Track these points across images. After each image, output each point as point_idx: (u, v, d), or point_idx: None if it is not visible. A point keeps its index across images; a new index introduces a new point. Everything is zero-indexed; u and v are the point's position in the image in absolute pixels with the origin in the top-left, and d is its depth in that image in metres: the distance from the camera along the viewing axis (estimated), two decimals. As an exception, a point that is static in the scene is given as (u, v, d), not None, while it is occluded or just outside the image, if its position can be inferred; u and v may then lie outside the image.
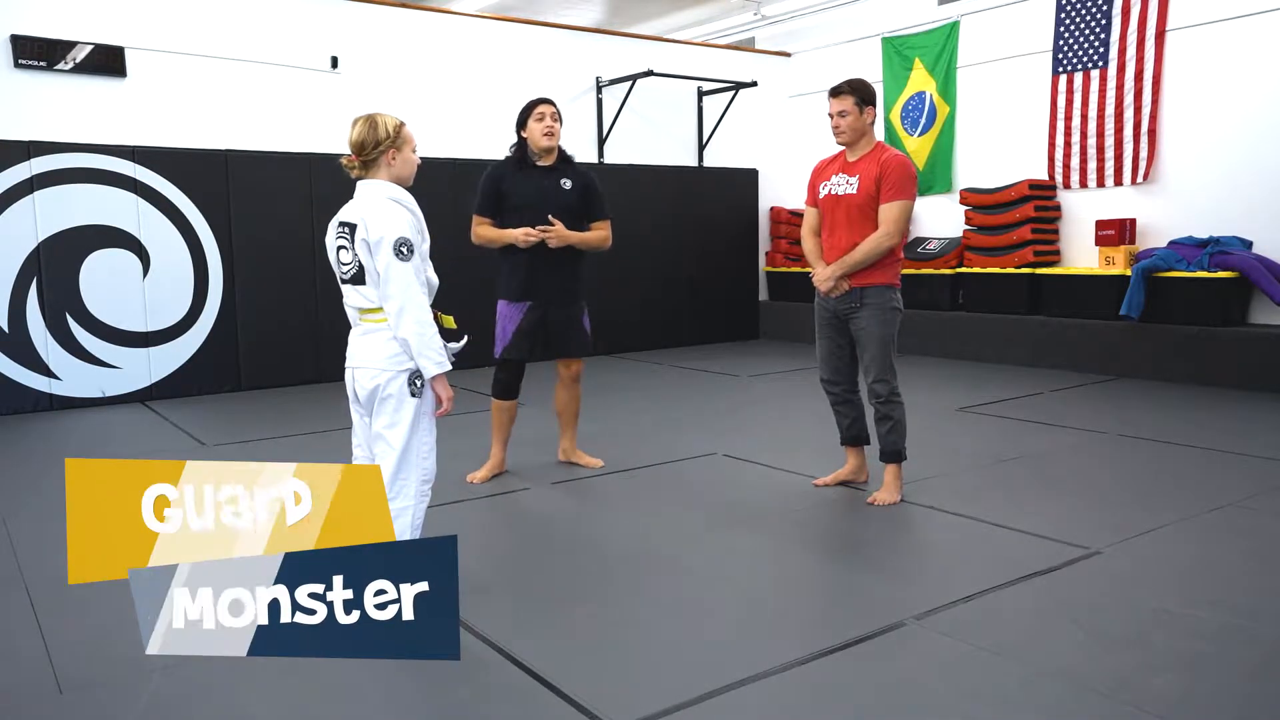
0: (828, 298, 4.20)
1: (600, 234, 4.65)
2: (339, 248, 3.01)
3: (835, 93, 4.08)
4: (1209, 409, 6.10)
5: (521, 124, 4.55)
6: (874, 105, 4.09)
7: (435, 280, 3.09)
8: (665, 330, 9.95)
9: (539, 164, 4.54)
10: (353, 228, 2.96)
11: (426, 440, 3.05)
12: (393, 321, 2.92)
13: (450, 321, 3.05)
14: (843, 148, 4.19)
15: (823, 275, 4.14)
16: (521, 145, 4.56)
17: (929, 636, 2.82)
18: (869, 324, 4.11)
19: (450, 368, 2.97)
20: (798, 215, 10.12)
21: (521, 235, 4.41)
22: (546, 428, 5.32)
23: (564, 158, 4.62)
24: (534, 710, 2.45)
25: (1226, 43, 7.26)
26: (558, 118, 4.52)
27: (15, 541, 3.90)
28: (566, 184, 4.56)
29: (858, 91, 4.04)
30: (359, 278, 2.97)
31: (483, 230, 4.55)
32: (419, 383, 2.99)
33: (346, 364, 3.09)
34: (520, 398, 4.77)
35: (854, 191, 4.06)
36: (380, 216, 2.92)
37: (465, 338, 3.07)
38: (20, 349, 6.73)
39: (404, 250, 2.90)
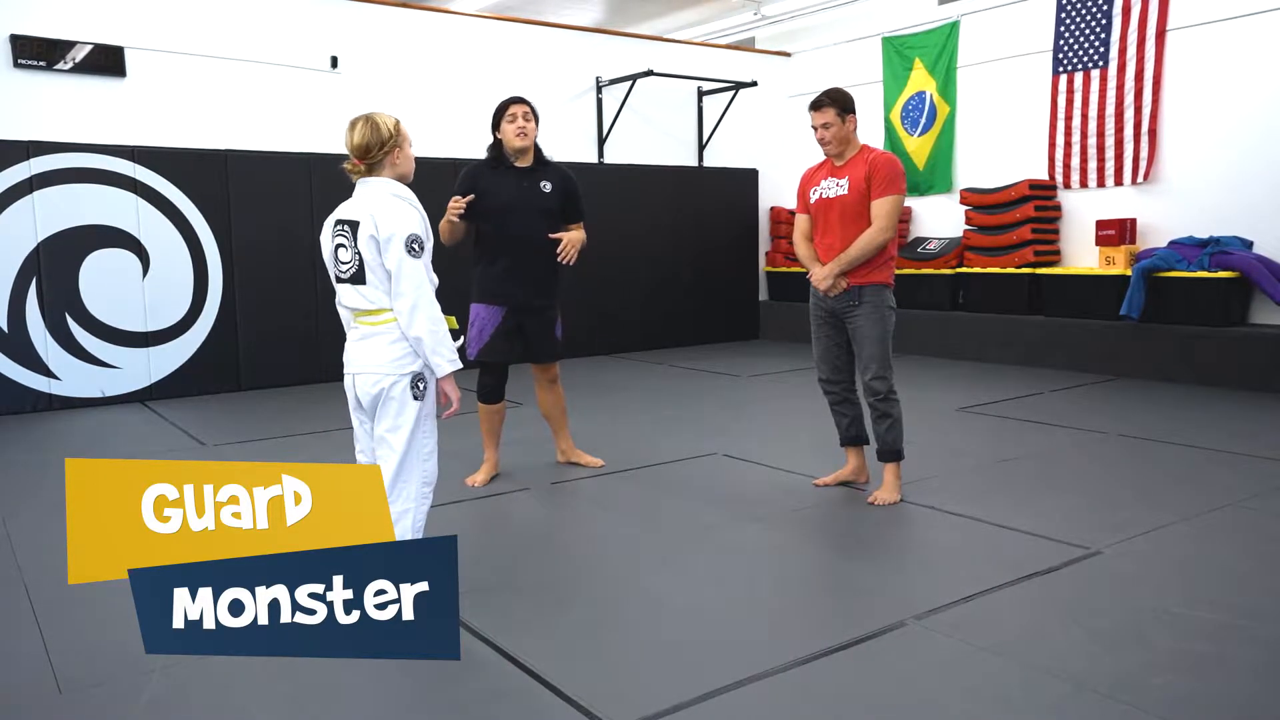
0: (825, 297, 4.23)
1: (580, 235, 4.57)
2: (338, 246, 2.95)
3: (816, 106, 4.14)
4: (1209, 409, 6.10)
5: (495, 125, 4.50)
6: (854, 112, 4.15)
7: (435, 279, 3.07)
8: (665, 330, 9.95)
9: (516, 164, 4.49)
10: (354, 225, 2.89)
11: (428, 443, 3.01)
12: (405, 319, 2.87)
13: (453, 322, 3.03)
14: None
15: (822, 274, 4.17)
16: (497, 145, 4.51)
17: (929, 636, 2.82)
18: (867, 322, 4.15)
19: (461, 366, 2.96)
20: (798, 215, 10.11)
21: (451, 206, 4.25)
22: (544, 428, 5.31)
23: (541, 159, 4.56)
24: (534, 710, 2.45)
25: (1226, 43, 7.26)
26: (530, 117, 4.44)
27: (15, 541, 3.90)
28: (546, 186, 4.51)
29: (837, 102, 4.10)
30: (359, 277, 2.91)
31: (442, 225, 4.32)
32: (422, 385, 2.96)
33: (345, 369, 3.04)
34: (516, 398, 4.76)
35: (845, 192, 4.13)
36: (390, 214, 2.87)
37: (461, 339, 3.07)
38: (20, 349, 6.73)
39: (415, 247, 2.86)
